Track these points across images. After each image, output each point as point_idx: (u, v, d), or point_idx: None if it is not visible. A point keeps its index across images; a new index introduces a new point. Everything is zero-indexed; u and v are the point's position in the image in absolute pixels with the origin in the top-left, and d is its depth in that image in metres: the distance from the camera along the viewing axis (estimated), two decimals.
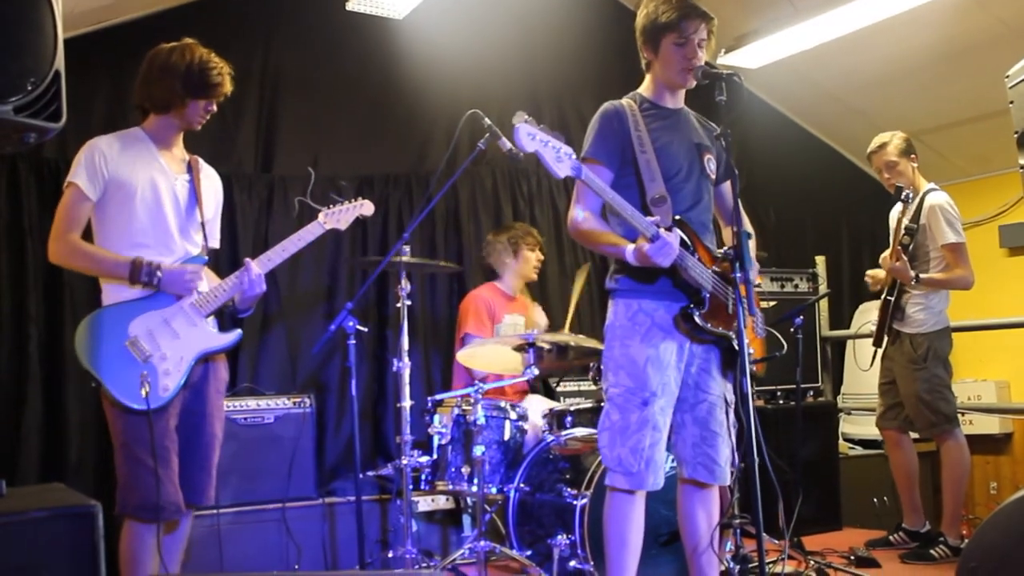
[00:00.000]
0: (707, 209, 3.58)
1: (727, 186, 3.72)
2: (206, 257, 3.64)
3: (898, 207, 5.09)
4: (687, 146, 3.53)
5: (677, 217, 3.35)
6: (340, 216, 3.91)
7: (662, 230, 3.16)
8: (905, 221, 5.02)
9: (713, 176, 3.62)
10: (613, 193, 3.19)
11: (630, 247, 3.26)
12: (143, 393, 3.29)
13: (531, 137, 2.96)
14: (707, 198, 3.58)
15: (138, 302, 3.42)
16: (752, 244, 3.53)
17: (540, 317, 5.72)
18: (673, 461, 3.67)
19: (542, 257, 5.73)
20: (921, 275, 4.97)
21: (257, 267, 3.63)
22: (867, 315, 5.35)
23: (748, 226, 3.72)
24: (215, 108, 3.64)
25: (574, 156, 3.05)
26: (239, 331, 3.67)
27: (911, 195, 4.95)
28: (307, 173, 4.06)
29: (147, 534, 3.38)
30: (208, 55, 3.57)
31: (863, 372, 5.53)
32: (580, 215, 3.41)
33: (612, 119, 3.47)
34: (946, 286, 5.05)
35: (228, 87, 3.62)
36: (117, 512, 3.37)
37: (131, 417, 3.33)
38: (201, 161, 3.78)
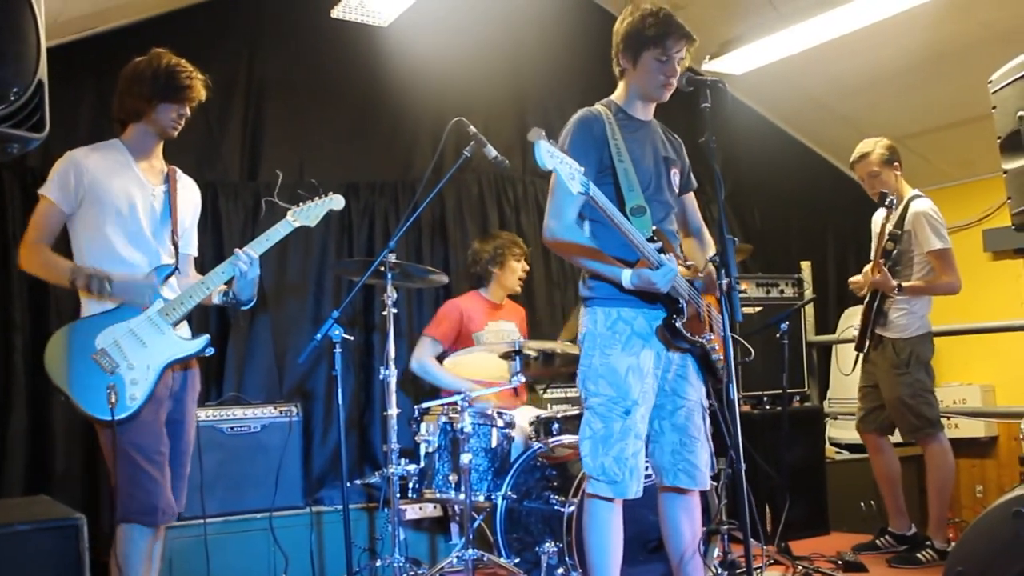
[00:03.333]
0: (673, 222, 3.62)
1: (689, 198, 3.78)
2: (172, 266, 3.65)
3: (881, 213, 5.11)
4: (656, 159, 3.56)
5: (655, 228, 3.35)
6: (309, 213, 3.87)
7: (664, 256, 3.18)
8: (889, 227, 5.04)
9: (678, 191, 3.67)
10: (620, 216, 3.18)
11: (627, 272, 3.28)
12: (110, 405, 3.30)
13: (551, 155, 2.95)
14: (673, 211, 3.63)
15: (106, 315, 3.44)
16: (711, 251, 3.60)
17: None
18: (651, 470, 3.66)
19: (527, 268, 5.71)
20: (903, 283, 4.99)
21: (244, 255, 3.65)
22: (852, 320, 5.38)
23: (708, 236, 3.78)
24: (187, 112, 3.65)
25: (583, 173, 3.05)
26: (207, 336, 3.65)
27: (895, 201, 4.96)
28: (293, 182, 4.06)
29: (141, 540, 3.42)
30: (177, 61, 3.61)
31: (849, 377, 5.54)
32: (558, 225, 3.40)
33: (591, 125, 3.45)
34: (930, 292, 5.08)
35: (199, 92, 3.63)
36: (117, 520, 3.40)
37: (125, 424, 3.36)
38: (179, 171, 3.79)
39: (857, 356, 5.33)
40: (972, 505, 6.94)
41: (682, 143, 3.75)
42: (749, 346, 3.84)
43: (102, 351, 3.38)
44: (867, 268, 5.13)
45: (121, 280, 3.45)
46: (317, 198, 3.91)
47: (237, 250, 3.67)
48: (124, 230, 3.52)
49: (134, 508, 3.39)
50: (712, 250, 3.75)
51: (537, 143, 2.92)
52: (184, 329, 3.65)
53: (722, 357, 3.52)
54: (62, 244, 3.59)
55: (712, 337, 3.50)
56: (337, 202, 3.96)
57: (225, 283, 3.69)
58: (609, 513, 3.39)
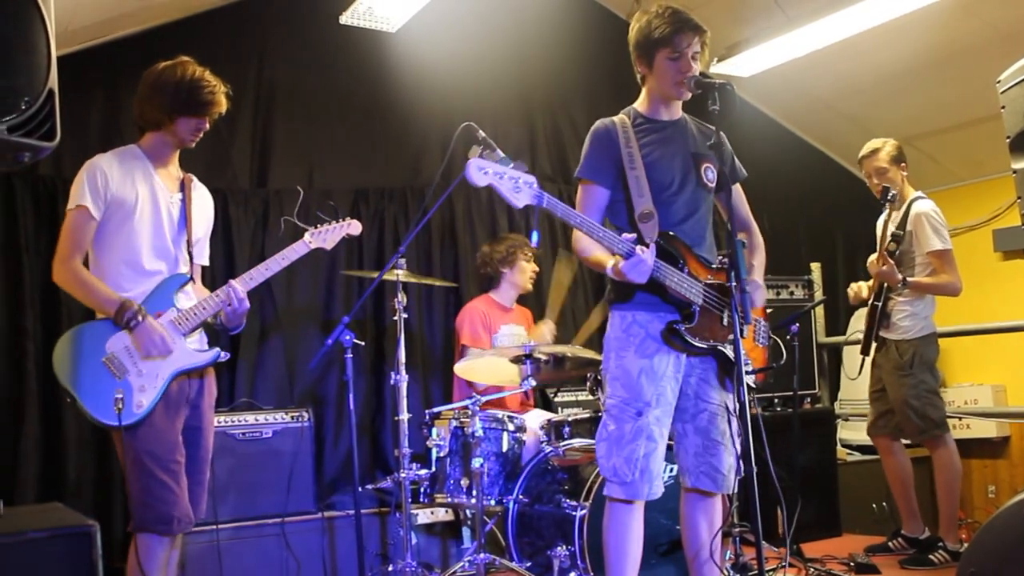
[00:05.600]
0: (702, 220, 3.57)
1: (736, 191, 3.72)
2: (188, 275, 3.65)
3: (885, 214, 5.11)
4: (682, 157, 3.53)
5: (670, 232, 3.36)
6: (327, 236, 3.90)
7: (638, 248, 3.16)
8: (892, 228, 5.03)
9: (711, 185, 3.61)
10: (579, 216, 3.22)
11: (610, 263, 3.27)
12: (116, 410, 3.29)
13: (482, 172, 2.97)
14: (703, 208, 3.58)
15: None
16: (760, 257, 3.57)
17: (548, 332, 5.68)
18: (672, 471, 3.67)
19: (537, 268, 5.74)
20: (908, 279, 4.98)
21: (240, 286, 3.62)
22: (861, 322, 5.38)
23: (758, 236, 3.75)
24: (207, 126, 3.63)
25: (535, 185, 3.06)
26: (218, 349, 3.64)
27: (896, 196, 4.96)
28: (297, 190, 4.07)
29: (159, 549, 3.41)
30: (202, 73, 3.57)
31: (859, 379, 5.52)
32: (578, 234, 3.42)
33: (603, 138, 3.49)
34: (934, 291, 5.06)
35: (221, 106, 3.61)
36: (133, 529, 3.39)
37: (139, 431, 3.35)
38: (195, 180, 3.78)
39: (862, 360, 5.33)
40: (984, 506, 6.92)
41: (722, 135, 3.52)
42: (783, 349, 3.82)
43: (112, 355, 3.37)
44: (872, 258, 5.13)
45: (146, 327, 3.41)
46: (335, 222, 3.93)
47: (232, 281, 3.62)
48: (148, 238, 3.52)
49: (150, 517, 3.37)
50: (760, 249, 3.74)
51: (467, 164, 2.96)
52: (197, 339, 3.64)
53: (751, 363, 3.52)
54: None
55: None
56: (354, 228, 4.00)
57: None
58: (626, 515, 3.39)
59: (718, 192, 3.68)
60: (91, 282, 3.44)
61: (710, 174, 3.59)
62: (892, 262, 4.99)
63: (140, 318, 3.39)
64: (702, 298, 3.37)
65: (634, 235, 3.23)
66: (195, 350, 3.59)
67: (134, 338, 3.40)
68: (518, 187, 3.02)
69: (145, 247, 3.51)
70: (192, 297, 3.66)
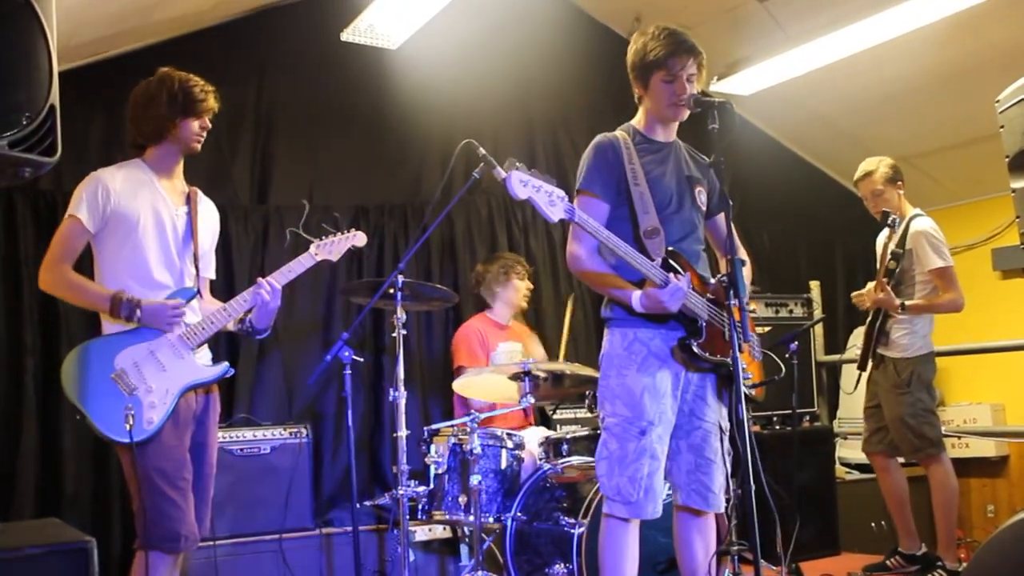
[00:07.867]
0: (698, 239, 3.61)
1: (722, 217, 3.73)
2: (195, 289, 3.65)
3: (884, 233, 5.12)
4: (678, 178, 3.55)
5: (670, 248, 3.38)
6: (332, 247, 3.91)
7: (672, 276, 3.19)
8: (891, 246, 5.03)
9: (704, 208, 3.64)
10: (608, 234, 3.23)
11: (636, 293, 3.29)
12: (127, 427, 3.28)
13: (523, 184, 3.00)
14: (699, 229, 3.61)
15: (125, 335, 3.43)
16: (747, 272, 3.55)
17: (537, 348, 5.73)
18: (670, 489, 3.67)
19: (531, 286, 5.74)
20: (907, 303, 4.98)
21: (271, 282, 3.67)
22: (859, 339, 5.39)
23: (744, 255, 3.74)
24: (208, 124, 3.66)
25: (567, 199, 3.09)
26: (226, 364, 3.66)
27: (897, 220, 4.97)
28: (302, 204, 4.08)
29: (163, 567, 3.39)
30: (188, 76, 3.61)
31: (859, 396, 5.53)
32: (581, 253, 3.43)
33: (607, 151, 3.49)
34: (933, 311, 5.06)
35: (214, 103, 3.64)
36: (139, 546, 3.38)
37: (149, 448, 3.34)
38: (200, 193, 3.79)
39: (859, 375, 5.33)
40: (983, 525, 6.90)
41: (707, 162, 3.69)
42: (780, 363, 3.84)
43: (121, 372, 3.37)
44: (870, 285, 5.13)
45: (149, 306, 3.44)
46: (340, 233, 3.94)
47: (261, 279, 3.68)
48: (155, 250, 3.53)
49: (157, 535, 3.35)
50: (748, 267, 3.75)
51: (509, 175, 2.99)
52: (204, 354, 3.65)
53: (751, 376, 3.52)
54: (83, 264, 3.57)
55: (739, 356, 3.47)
56: (360, 239, 4.02)
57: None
58: (624, 533, 3.39)
59: (708, 217, 3.71)
60: (80, 283, 3.46)
61: (703, 196, 3.64)
62: (889, 290, 4.98)
63: (139, 309, 3.40)
64: (707, 314, 3.38)
65: (659, 260, 3.25)
66: (204, 365, 3.60)
67: (146, 322, 3.42)
68: (552, 201, 3.06)
69: (152, 260, 3.52)
70: (198, 312, 3.67)
